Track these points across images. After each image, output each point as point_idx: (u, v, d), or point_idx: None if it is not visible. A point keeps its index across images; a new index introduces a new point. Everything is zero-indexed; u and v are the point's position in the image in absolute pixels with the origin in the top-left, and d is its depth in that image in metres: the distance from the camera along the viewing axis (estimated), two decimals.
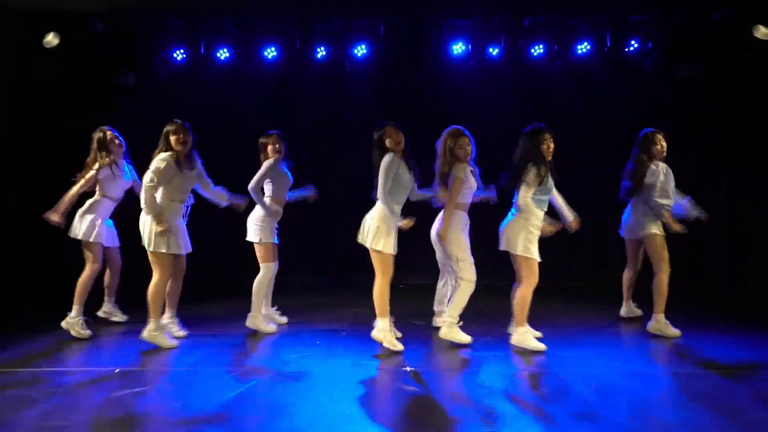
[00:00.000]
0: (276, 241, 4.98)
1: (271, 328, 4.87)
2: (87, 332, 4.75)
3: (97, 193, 4.94)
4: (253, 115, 7.32)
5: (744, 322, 5.32)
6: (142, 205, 4.38)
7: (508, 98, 7.24)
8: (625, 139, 5.19)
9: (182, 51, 7.07)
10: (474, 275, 4.42)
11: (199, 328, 5.08)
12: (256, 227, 4.85)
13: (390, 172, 4.29)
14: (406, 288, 6.52)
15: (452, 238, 4.43)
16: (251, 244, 4.93)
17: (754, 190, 7.00)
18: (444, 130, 4.54)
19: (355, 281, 5.84)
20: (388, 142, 4.38)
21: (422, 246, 4.91)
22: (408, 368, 3.99)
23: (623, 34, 6.82)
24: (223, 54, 7.08)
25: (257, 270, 4.94)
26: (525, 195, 4.29)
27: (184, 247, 4.58)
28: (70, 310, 4.79)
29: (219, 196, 4.82)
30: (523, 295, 4.38)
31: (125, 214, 5.06)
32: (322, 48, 7.02)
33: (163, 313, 4.78)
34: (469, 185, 4.47)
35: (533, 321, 4.51)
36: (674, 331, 4.73)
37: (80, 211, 4.88)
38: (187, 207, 4.80)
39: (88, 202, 4.91)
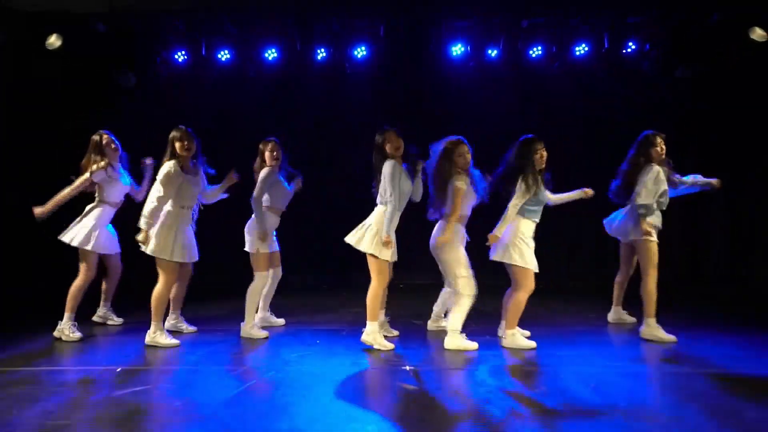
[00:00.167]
0: (276, 249, 4.98)
1: (263, 333, 4.83)
2: (77, 334, 4.72)
3: (96, 198, 4.92)
4: (253, 115, 7.34)
5: (744, 322, 5.32)
6: (145, 212, 4.40)
7: (507, 99, 7.26)
8: (624, 139, 5.19)
9: (183, 53, 7.08)
10: (473, 290, 4.38)
11: (199, 327, 5.09)
12: (250, 236, 4.85)
13: (395, 178, 4.31)
14: (406, 288, 6.53)
15: (449, 253, 4.41)
16: None
17: (754, 190, 7.01)
18: (442, 139, 4.50)
19: (355, 281, 5.84)
20: (387, 147, 4.40)
21: (422, 246, 4.90)
22: (407, 367, 3.99)
23: (622, 35, 6.83)
24: (224, 55, 7.10)
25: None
26: (515, 204, 4.31)
27: (190, 255, 4.60)
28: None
29: (213, 194, 4.89)
30: (519, 300, 4.40)
31: (124, 218, 5.07)
32: (323, 49, 7.04)
33: (167, 314, 4.80)
34: (468, 197, 4.45)
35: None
36: (669, 337, 4.63)
37: (79, 217, 4.85)
38: (196, 214, 4.81)
39: (88, 207, 4.89)
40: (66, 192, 4.75)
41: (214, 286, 6.75)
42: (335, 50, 7.03)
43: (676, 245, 5.01)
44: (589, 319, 5.55)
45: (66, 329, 4.71)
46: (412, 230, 4.89)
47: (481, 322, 5.03)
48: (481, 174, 4.51)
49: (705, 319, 5.45)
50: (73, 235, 4.77)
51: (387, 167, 4.34)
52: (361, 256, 4.47)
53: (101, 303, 5.30)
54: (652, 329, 4.69)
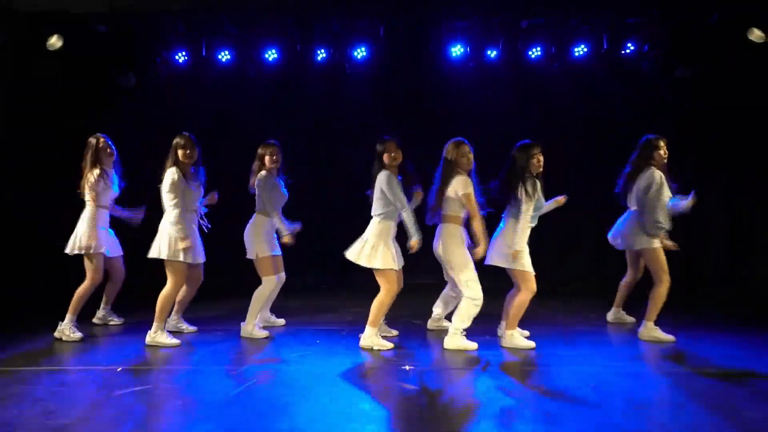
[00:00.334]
0: (279, 252, 4.97)
1: (264, 333, 4.83)
2: (78, 335, 4.71)
3: (91, 203, 4.82)
4: (253, 115, 7.34)
5: (744, 322, 5.33)
6: (170, 222, 4.47)
7: (507, 99, 7.26)
8: (624, 139, 5.19)
9: (183, 53, 7.08)
10: (480, 293, 4.35)
11: (199, 327, 5.09)
12: (250, 243, 4.83)
13: (395, 185, 4.34)
14: (406, 288, 6.52)
15: (455, 257, 4.39)
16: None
17: (754, 190, 7.00)
18: (445, 143, 4.50)
19: (355, 281, 5.83)
20: (385, 158, 4.43)
21: (422, 246, 4.91)
22: (407, 367, 4.00)
23: (622, 35, 6.83)
24: (224, 56, 7.09)
25: (259, 279, 4.90)
26: (527, 209, 4.29)
27: (195, 257, 4.61)
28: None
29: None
30: (522, 300, 4.41)
31: (121, 221, 5.08)
32: (322, 50, 7.03)
33: (169, 315, 4.81)
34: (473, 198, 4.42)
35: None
36: (667, 337, 4.64)
37: (77, 225, 4.80)
38: (201, 215, 4.81)
39: (85, 215, 4.81)
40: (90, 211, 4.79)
41: (214, 286, 6.74)
42: (335, 50, 7.03)
43: (677, 245, 4.99)
44: (589, 319, 5.55)
45: (66, 330, 4.70)
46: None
47: (481, 322, 5.02)
48: (477, 180, 4.50)
49: (705, 319, 5.46)
50: (75, 243, 4.74)
51: (383, 178, 4.37)
52: None
53: (101, 305, 5.29)
54: (650, 331, 4.69)
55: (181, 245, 4.42)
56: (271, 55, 7.07)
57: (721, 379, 3.70)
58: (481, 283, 4.40)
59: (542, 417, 3.13)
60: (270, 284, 4.83)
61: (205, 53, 7.04)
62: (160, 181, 4.59)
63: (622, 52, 6.93)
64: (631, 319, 5.29)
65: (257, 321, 4.89)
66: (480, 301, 4.34)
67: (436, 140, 4.60)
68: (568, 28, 6.76)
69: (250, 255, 4.85)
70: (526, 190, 4.29)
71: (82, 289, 4.77)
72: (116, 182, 5.02)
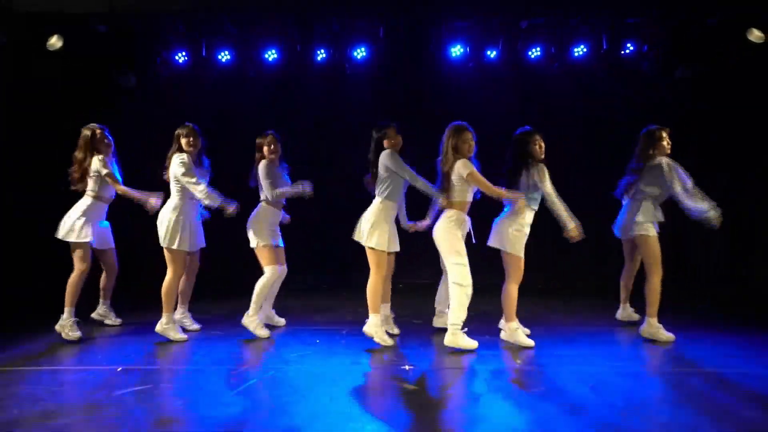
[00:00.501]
0: (281, 244, 4.99)
1: (265, 332, 4.82)
2: (77, 334, 4.71)
3: (89, 194, 4.84)
4: (253, 115, 7.33)
5: (744, 322, 5.33)
6: (170, 209, 4.55)
7: (507, 99, 7.26)
8: (624, 139, 5.20)
9: (184, 53, 7.08)
10: (469, 279, 4.33)
11: (200, 326, 5.09)
12: (252, 231, 4.84)
13: (399, 161, 4.38)
14: (406, 288, 6.54)
15: (446, 240, 4.40)
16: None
17: (754, 190, 7.01)
18: (447, 126, 4.51)
19: (355, 281, 5.83)
20: (386, 143, 4.47)
21: (422, 246, 4.91)
22: (407, 366, 4.00)
23: (622, 36, 6.83)
24: (224, 56, 7.09)
25: (259, 271, 4.93)
26: (548, 187, 4.35)
27: (194, 243, 4.69)
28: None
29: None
30: (509, 291, 4.47)
31: (121, 217, 5.07)
32: (322, 50, 7.03)
33: (175, 308, 4.82)
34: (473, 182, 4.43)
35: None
36: (667, 336, 4.64)
37: (68, 212, 4.80)
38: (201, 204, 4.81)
39: (78, 203, 4.82)
40: (126, 191, 4.80)
41: (215, 285, 6.76)
42: (335, 51, 7.03)
43: (677, 245, 5.00)
44: (588, 318, 5.55)
45: (67, 326, 4.70)
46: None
47: (479, 320, 5.03)
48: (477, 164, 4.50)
49: (705, 319, 5.46)
50: (62, 230, 4.73)
51: (386, 156, 4.41)
52: (360, 256, 4.47)
53: (100, 301, 5.29)
54: (653, 328, 4.68)
55: (230, 211, 4.56)
56: (271, 55, 7.07)
57: (721, 379, 3.71)
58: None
59: (542, 417, 3.13)
60: (272, 273, 4.83)
61: (205, 53, 7.04)
62: (165, 168, 4.62)
63: (622, 52, 6.94)
64: (637, 317, 5.31)
65: (259, 316, 4.90)
66: (469, 288, 4.32)
67: (436, 140, 4.59)
68: (568, 28, 6.76)
69: (252, 243, 4.87)
70: (538, 170, 4.35)
71: (71, 280, 4.77)
72: (117, 172, 4.97)
